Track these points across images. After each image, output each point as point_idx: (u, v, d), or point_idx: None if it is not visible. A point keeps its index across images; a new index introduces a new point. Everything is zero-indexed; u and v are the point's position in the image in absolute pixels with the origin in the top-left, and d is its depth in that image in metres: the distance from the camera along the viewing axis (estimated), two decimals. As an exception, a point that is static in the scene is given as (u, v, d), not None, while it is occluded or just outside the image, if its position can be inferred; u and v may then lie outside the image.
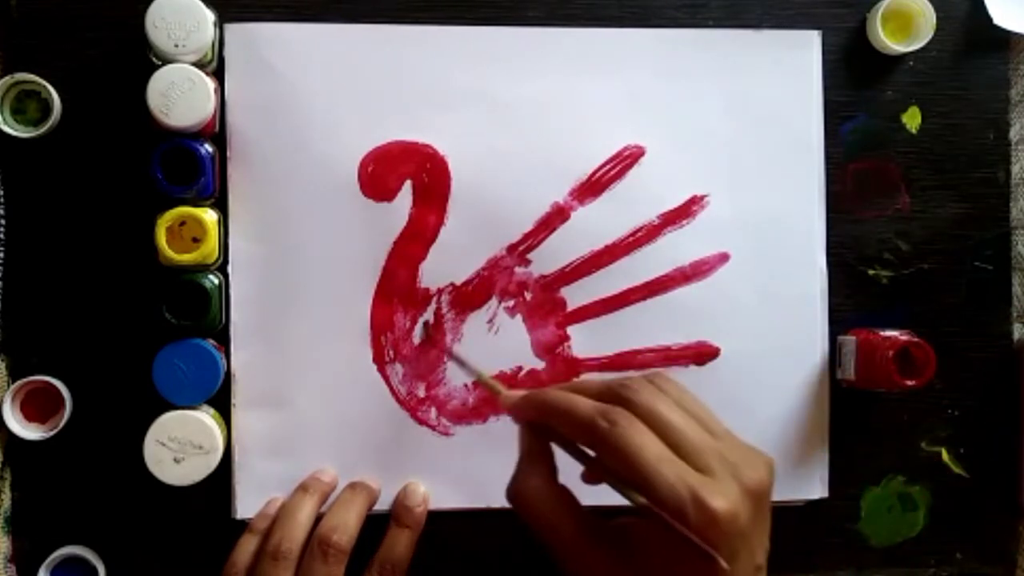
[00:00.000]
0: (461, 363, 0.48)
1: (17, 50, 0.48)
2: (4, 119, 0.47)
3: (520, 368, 0.50)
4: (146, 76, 0.45)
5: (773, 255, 0.51)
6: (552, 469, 0.40)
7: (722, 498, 0.35)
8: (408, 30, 0.49)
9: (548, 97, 0.50)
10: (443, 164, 0.49)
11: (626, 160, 0.50)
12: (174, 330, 0.46)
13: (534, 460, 0.40)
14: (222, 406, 0.49)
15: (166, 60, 0.45)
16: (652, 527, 0.36)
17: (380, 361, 0.49)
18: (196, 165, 0.46)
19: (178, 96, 0.45)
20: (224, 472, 0.48)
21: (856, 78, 0.51)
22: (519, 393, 0.42)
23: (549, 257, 0.50)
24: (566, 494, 0.39)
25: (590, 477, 0.40)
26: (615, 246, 0.50)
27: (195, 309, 0.47)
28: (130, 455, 0.46)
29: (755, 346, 0.50)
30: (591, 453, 0.39)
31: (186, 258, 0.46)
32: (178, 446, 0.46)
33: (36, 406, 0.48)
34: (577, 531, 0.38)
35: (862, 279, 0.52)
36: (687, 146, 0.50)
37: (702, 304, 0.50)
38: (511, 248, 0.50)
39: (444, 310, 0.50)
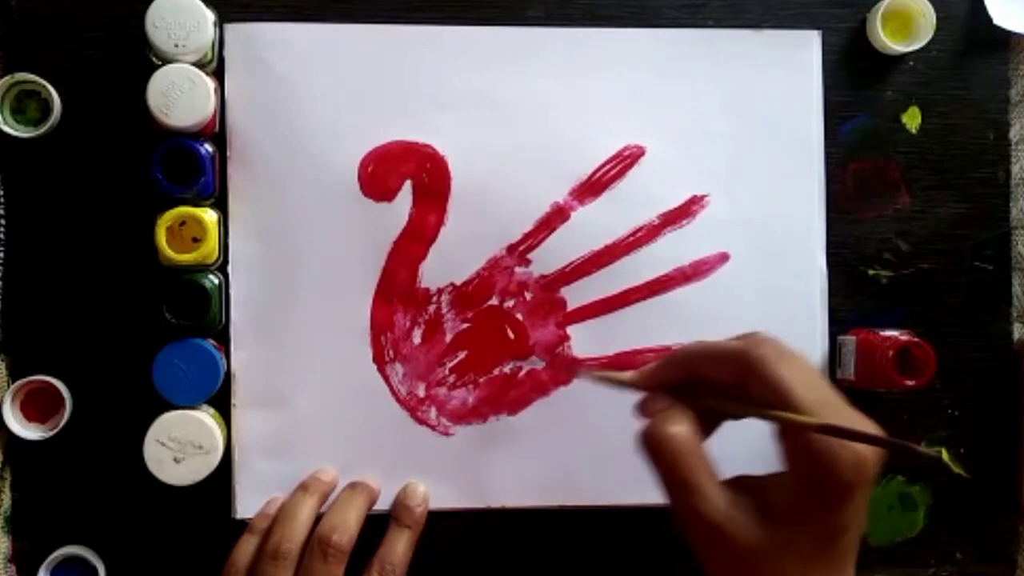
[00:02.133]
0: (583, 376, 0.48)
1: (17, 50, 0.48)
2: (4, 119, 0.47)
3: (520, 368, 0.50)
4: (146, 76, 0.45)
5: (773, 255, 0.51)
6: (692, 421, 0.39)
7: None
8: (408, 30, 0.49)
9: (548, 97, 0.50)
10: (443, 164, 0.49)
11: (626, 160, 0.50)
12: (174, 330, 0.46)
13: (676, 411, 0.40)
14: (222, 406, 0.49)
15: (166, 60, 0.45)
16: (783, 481, 0.37)
17: (380, 361, 0.49)
18: (196, 165, 0.46)
19: (178, 96, 0.45)
20: (224, 472, 0.48)
21: (856, 78, 0.51)
22: (649, 365, 0.42)
23: (549, 257, 0.50)
24: (703, 447, 0.39)
25: (737, 411, 0.40)
26: (615, 246, 0.50)
27: (195, 309, 0.47)
28: (130, 455, 0.46)
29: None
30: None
31: (186, 258, 0.46)
32: (178, 446, 0.46)
33: (36, 406, 0.48)
34: (713, 479, 0.38)
35: (862, 279, 0.52)
36: (687, 146, 0.50)
37: (702, 304, 0.50)
38: (511, 248, 0.50)
39: (444, 310, 0.50)
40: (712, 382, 0.40)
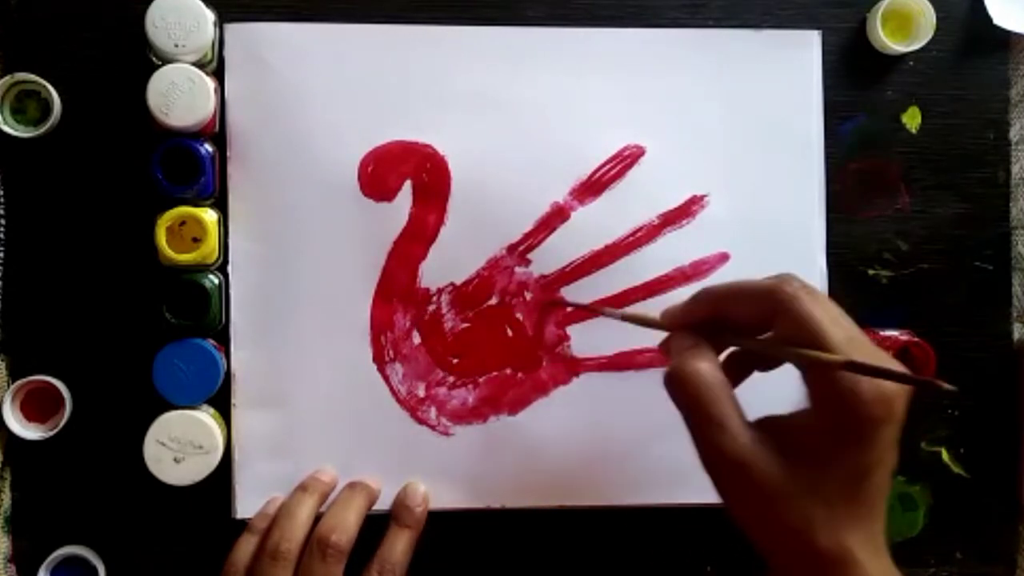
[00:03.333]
0: (601, 313, 0.47)
1: (17, 50, 0.48)
2: (4, 119, 0.47)
3: (520, 367, 0.50)
4: (146, 76, 0.45)
5: (773, 255, 0.51)
6: (717, 360, 0.39)
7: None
8: (408, 30, 0.49)
9: (548, 97, 0.50)
10: (443, 164, 0.49)
11: (626, 160, 0.50)
12: (174, 330, 0.46)
13: (700, 348, 0.39)
14: (222, 406, 0.49)
15: (166, 60, 0.45)
16: (808, 419, 0.36)
17: (380, 361, 0.49)
18: (196, 165, 0.46)
19: (178, 96, 0.45)
20: (224, 472, 0.48)
21: (856, 78, 0.51)
22: (677, 304, 0.42)
23: (549, 257, 0.50)
24: (728, 382, 0.38)
25: (762, 349, 0.40)
26: (615, 246, 0.50)
27: (195, 309, 0.47)
28: (130, 455, 0.47)
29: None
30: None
31: (186, 258, 0.46)
32: (178, 446, 0.46)
33: (36, 406, 0.48)
34: (738, 415, 0.37)
35: (862, 279, 0.52)
36: (687, 146, 0.50)
37: (702, 304, 0.50)
38: (511, 248, 0.50)
39: (444, 310, 0.50)
40: (739, 322, 0.39)
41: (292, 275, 0.49)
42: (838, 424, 0.35)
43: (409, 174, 0.49)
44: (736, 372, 0.41)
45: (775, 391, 0.37)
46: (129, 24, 0.47)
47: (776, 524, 0.36)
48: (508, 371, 0.50)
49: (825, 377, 0.35)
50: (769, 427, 0.37)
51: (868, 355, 0.36)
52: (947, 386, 0.34)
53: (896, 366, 0.36)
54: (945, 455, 0.52)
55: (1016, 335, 0.52)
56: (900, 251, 0.52)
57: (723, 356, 0.41)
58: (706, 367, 0.38)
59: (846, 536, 0.36)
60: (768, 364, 0.42)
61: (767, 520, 0.37)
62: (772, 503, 0.36)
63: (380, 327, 0.49)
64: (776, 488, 0.36)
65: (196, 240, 0.46)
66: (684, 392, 0.38)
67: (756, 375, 0.42)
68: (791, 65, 0.51)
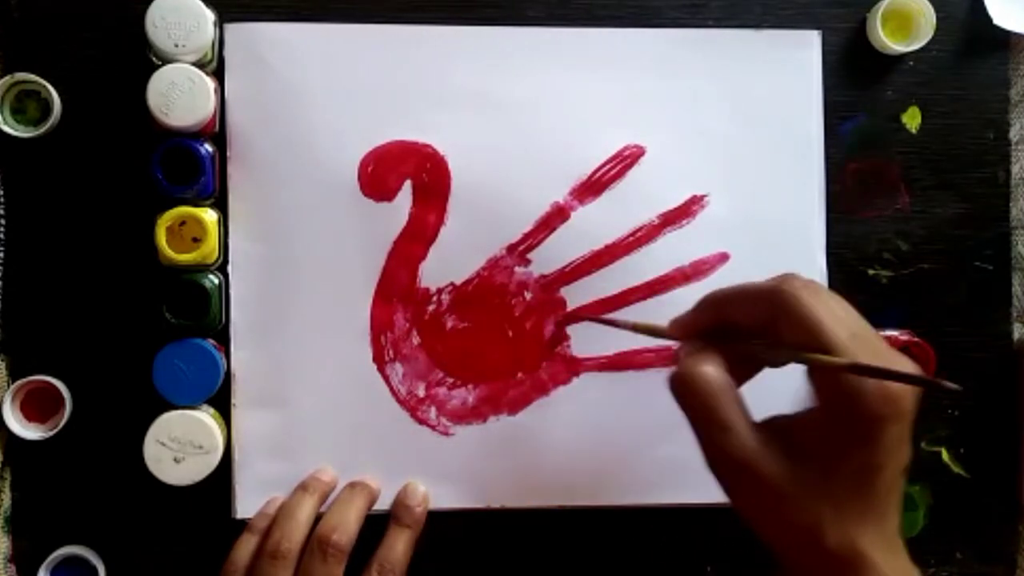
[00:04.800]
0: (612, 324, 0.47)
1: (17, 50, 0.48)
2: (4, 119, 0.47)
3: (519, 367, 0.50)
4: (146, 76, 0.45)
5: (773, 255, 0.51)
6: (723, 363, 0.38)
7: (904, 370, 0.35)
8: (408, 30, 0.49)
9: (548, 97, 0.50)
10: (443, 164, 0.49)
11: (626, 160, 0.50)
12: (174, 330, 0.46)
13: (706, 352, 0.39)
14: (222, 406, 0.49)
15: (166, 60, 0.45)
16: (813, 418, 0.36)
17: (380, 361, 0.49)
18: (196, 165, 0.46)
19: (178, 96, 0.45)
20: (224, 472, 0.48)
21: (856, 78, 0.51)
22: (684, 313, 0.41)
23: (549, 257, 0.50)
24: (735, 385, 0.38)
25: (766, 352, 0.39)
26: (615, 246, 0.50)
27: (195, 309, 0.47)
28: (130, 455, 0.47)
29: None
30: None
31: (186, 258, 0.46)
32: (178, 446, 0.46)
33: (36, 406, 0.48)
34: (742, 416, 0.37)
35: (862, 279, 0.52)
36: (687, 146, 0.50)
37: (702, 304, 0.50)
38: (511, 248, 0.50)
39: (444, 310, 0.50)
40: (744, 325, 0.39)
41: (292, 275, 0.49)
42: (844, 424, 0.35)
43: (409, 174, 0.49)
44: (744, 371, 0.41)
45: (783, 387, 0.37)
46: (129, 24, 0.47)
47: (785, 524, 0.36)
48: (508, 371, 0.50)
49: (830, 378, 0.35)
50: (775, 427, 0.37)
51: (873, 351, 0.35)
52: (951, 385, 0.34)
53: (903, 361, 0.36)
54: (945, 455, 0.52)
55: (1016, 335, 0.52)
56: (900, 251, 0.52)
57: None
58: (710, 370, 0.38)
59: (857, 535, 0.36)
60: (777, 361, 0.42)
61: (776, 521, 0.37)
62: (780, 504, 0.36)
63: (380, 327, 0.49)
64: (783, 489, 0.36)
65: (196, 240, 0.46)
66: (688, 396, 0.38)
67: (765, 370, 0.42)
68: (791, 65, 0.51)
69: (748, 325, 0.39)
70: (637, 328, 0.45)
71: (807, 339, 0.36)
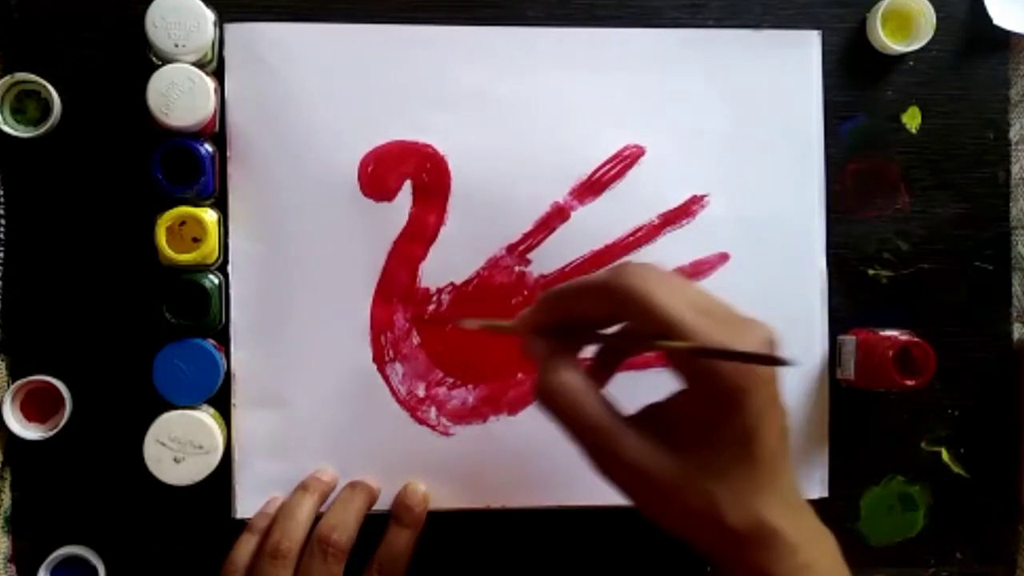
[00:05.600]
0: (466, 326, 0.47)
1: (17, 50, 0.48)
2: (4, 119, 0.47)
3: (517, 366, 0.50)
4: (146, 76, 0.45)
5: (773, 255, 0.51)
6: (578, 365, 0.38)
7: (753, 339, 0.35)
8: (408, 30, 0.49)
9: (548, 97, 0.50)
10: (443, 164, 0.49)
11: (626, 160, 0.50)
12: (174, 330, 0.46)
13: (560, 358, 0.38)
14: (222, 406, 0.49)
15: (166, 60, 0.45)
16: (683, 401, 0.36)
17: (380, 361, 0.49)
18: (196, 165, 0.46)
19: (178, 96, 0.45)
20: (224, 472, 0.48)
21: (856, 78, 0.51)
22: (527, 309, 0.41)
23: (549, 257, 0.50)
24: (594, 386, 0.38)
25: (616, 343, 0.39)
26: (615, 246, 0.50)
27: (195, 309, 0.47)
28: (130, 455, 0.47)
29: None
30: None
31: (186, 258, 0.46)
32: (178, 446, 0.46)
33: (36, 406, 0.48)
34: (612, 415, 0.37)
35: (862, 279, 0.52)
36: (687, 146, 0.50)
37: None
38: (511, 248, 0.50)
39: (444, 310, 0.50)
40: (590, 318, 0.39)
41: (292, 275, 0.49)
42: (704, 400, 0.35)
43: (409, 174, 0.49)
44: (607, 365, 0.41)
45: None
46: (129, 24, 0.47)
47: (683, 513, 0.36)
48: (508, 371, 0.50)
49: (685, 359, 0.35)
50: (649, 417, 0.38)
51: (723, 321, 0.35)
52: (786, 360, 0.34)
53: (753, 328, 0.36)
54: (945, 455, 0.52)
55: (1016, 335, 0.52)
56: (900, 251, 0.52)
57: (590, 352, 0.41)
58: (569, 377, 0.37)
59: (756, 506, 0.36)
60: (631, 351, 0.41)
61: (673, 512, 0.37)
62: (672, 494, 0.36)
63: (380, 327, 0.49)
64: (671, 478, 0.36)
65: (196, 240, 0.46)
66: (553, 407, 0.38)
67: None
68: (791, 65, 0.51)
69: (597, 318, 0.39)
70: (484, 327, 0.44)
71: (652, 326, 0.35)
